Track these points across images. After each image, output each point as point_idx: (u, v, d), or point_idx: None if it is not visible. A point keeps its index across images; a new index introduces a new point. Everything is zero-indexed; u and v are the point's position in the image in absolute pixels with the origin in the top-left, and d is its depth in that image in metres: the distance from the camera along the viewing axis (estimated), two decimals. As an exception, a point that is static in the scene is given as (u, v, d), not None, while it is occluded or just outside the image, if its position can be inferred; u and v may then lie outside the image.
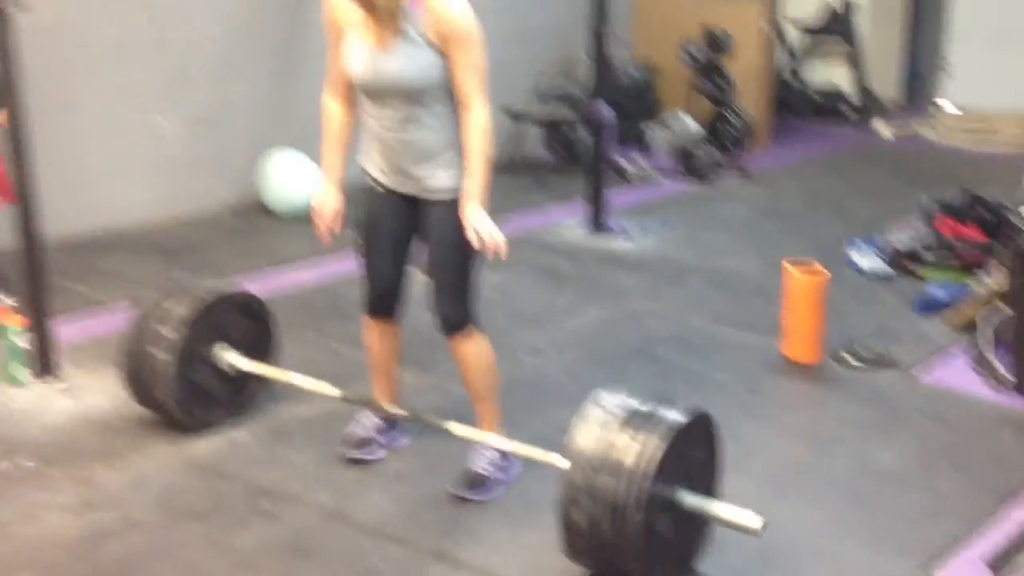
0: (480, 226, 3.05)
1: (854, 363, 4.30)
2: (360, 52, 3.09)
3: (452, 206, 3.14)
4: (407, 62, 3.02)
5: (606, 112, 5.95)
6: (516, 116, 7.49)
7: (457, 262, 3.18)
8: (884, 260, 5.44)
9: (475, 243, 3.06)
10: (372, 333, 3.43)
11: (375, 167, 3.26)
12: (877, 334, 4.63)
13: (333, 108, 3.29)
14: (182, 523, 3.14)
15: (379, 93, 3.10)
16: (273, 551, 3.01)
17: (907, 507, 3.30)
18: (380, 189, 3.27)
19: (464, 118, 3.06)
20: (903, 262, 5.40)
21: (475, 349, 3.27)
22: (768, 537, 3.02)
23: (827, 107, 9.57)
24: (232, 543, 3.04)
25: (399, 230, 3.29)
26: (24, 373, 4.00)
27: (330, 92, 3.28)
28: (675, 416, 2.80)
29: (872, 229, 6.01)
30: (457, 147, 3.12)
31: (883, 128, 9.12)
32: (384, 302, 3.36)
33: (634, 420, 2.79)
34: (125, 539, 3.05)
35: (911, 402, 4.02)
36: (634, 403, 2.85)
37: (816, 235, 6.10)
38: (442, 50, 3.00)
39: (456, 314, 3.21)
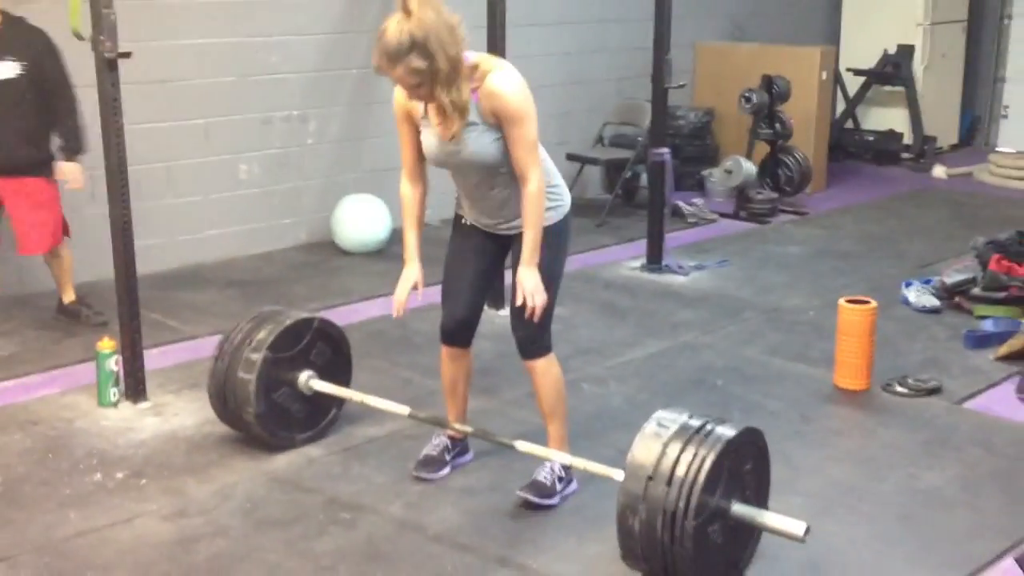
0: (528, 288, 3.30)
1: (903, 391, 4.44)
2: (430, 140, 3.33)
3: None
4: (474, 147, 3.26)
5: (665, 155, 6.17)
6: (579, 160, 7.76)
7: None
8: (937, 297, 5.56)
9: (519, 301, 3.31)
10: (445, 358, 3.66)
11: (461, 206, 3.53)
12: (927, 366, 4.76)
13: (408, 191, 3.50)
14: (265, 530, 3.38)
15: (453, 170, 3.39)
16: (349, 556, 3.23)
17: (951, 525, 3.44)
18: (465, 222, 3.53)
19: (521, 188, 3.29)
20: (955, 299, 5.52)
21: (550, 372, 3.50)
22: (815, 549, 3.20)
23: (884, 151, 9.70)
24: (311, 548, 3.27)
25: (480, 263, 3.53)
26: (115, 394, 4.28)
27: (405, 175, 3.49)
28: (725, 430, 2.99)
29: (927, 269, 6.14)
30: (547, 170, 3.36)
31: (939, 171, 9.22)
32: (459, 330, 3.59)
33: (687, 433, 2.98)
34: (213, 543, 3.30)
35: (958, 429, 4.16)
36: (688, 419, 3.05)
37: (871, 274, 6.23)
38: (500, 127, 3.24)
39: (535, 336, 3.44)
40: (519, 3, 7.10)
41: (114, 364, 4.29)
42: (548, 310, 3.42)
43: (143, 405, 4.30)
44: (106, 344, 4.28)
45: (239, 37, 6.26)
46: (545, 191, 3.31)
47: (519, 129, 3.20)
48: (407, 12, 3.05)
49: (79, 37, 4.11)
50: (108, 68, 4.05)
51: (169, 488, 3.65)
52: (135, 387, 4.33)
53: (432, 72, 3.07)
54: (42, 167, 4.94)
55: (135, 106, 5.46)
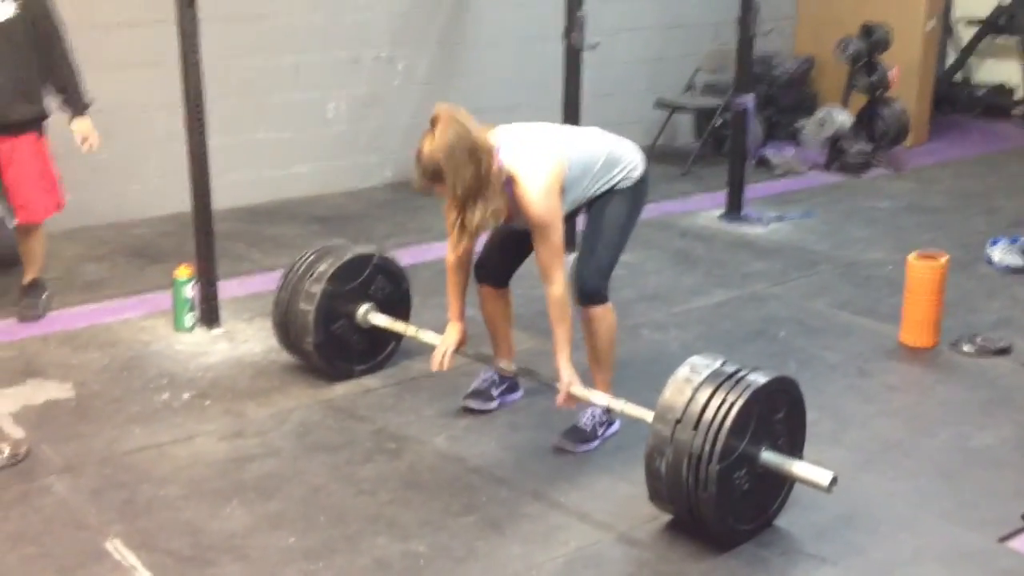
0: (565, 385, 3.39)
1: (969, 351, 4.35)
2: None
3: (610, 193, 3.49)
4: (527, 225, 3.37)
5: (747, 103, 6.09)
6: (669, 107, 7.70)
7: (606, 239, 3.48)
8: (1023, 256, 5.41)
9: (560, 399, 3.42)
10: (481, 297, 3.75)
11: None
12: (1000, 326, 4.65)
13: (453, 260, 3.59)
14: (314, 453, 3.53)
15: None
16: (389, 482, 3.36)
17: (995, 485, 3.39)
18: None
19: (544, 287, 3.36)
20: (1042, 259, 5.36)
21: (605, 320, 3.54)
22: (851, 501, 3.21)
23: (994, 104, 9.35)
24: (355, 473, 3.41)
25: (522, 235, 3.53)
26: (190, 319, 4.48)
27: (451, 246, 3.54)
28: (757, 377, 3.00)
29: (1019, 228, 5.95)
30: (606, 162, 3.49)
31: (1051, 127, 8.87)
32: (492, 270, 3.69)
33: (718, 379, 2.99)
34: (263, 463, 3.46)
35: (1020, 390, 4.07)
36: (721, 365, 3.06)
37: (959, 231, 6.07)
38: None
39: (595, 286, 3.49)
40: (611, -54, 7.07)
41: (190, 291, 4.47)
42: (612, 260, 3.50)
43: (216, 331, 4.49)
44: (183, 271, 4.47)
45: (329, -24, 6.38)
46: (566, 304, 3.38)
47: (541, 234, 3.31)
48: (432, 133, 3.17)
49: (160, -27, 4.24)
50: (187, 4, 4.18)
51: (230, 410, 3.82)
52: (209, 314, 4.52)
53: (454, 192, 3.20)
54: (38, 123, 4.47)
55: (226, 41, 5.64)
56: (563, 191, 3.37)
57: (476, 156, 3.18)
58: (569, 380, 3.40)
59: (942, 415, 3.88)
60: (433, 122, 3.19)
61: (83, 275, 5.12)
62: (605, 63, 6.87)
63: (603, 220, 3.50)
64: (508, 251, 3.68)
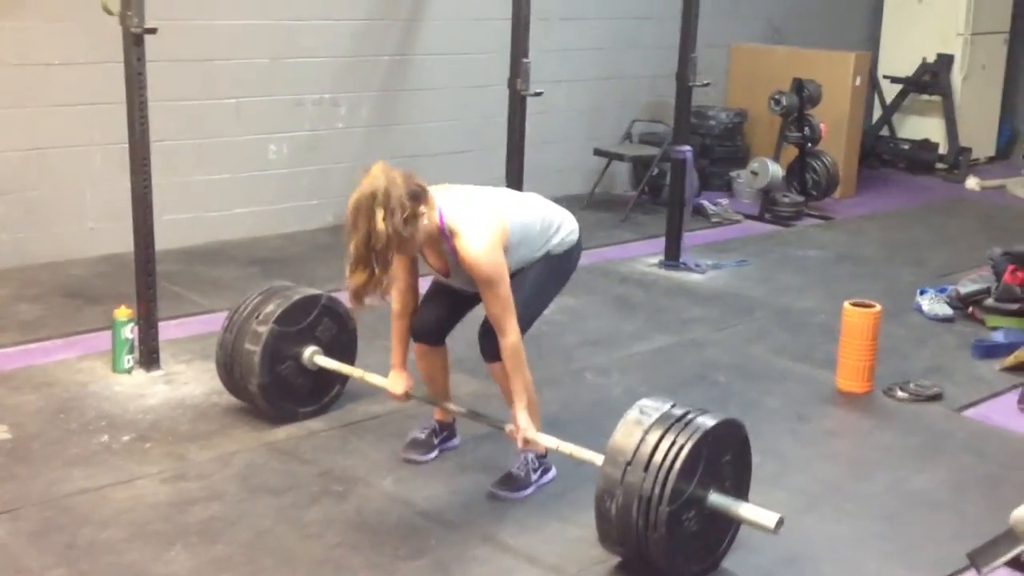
0: (522, 431, 3.40)
1: (903, 396, 4.46)
2: (431, 267, 3.49)
3: (543, 258, 3.53)
4: (465, 284, 3.43)
5: (686, 153, 6.21)
6: (606, 156, 7.82)
7: (523, 298, 3.44)
8: (951, 306, 5.57)
9: (518, 443, 3.43)
10: (417, 353, 3.72)
11: None
12: (932, 373, 4.78)
13: (398, 308, 3.61)
14: (258, 496, 3.48)
15: None
16: (337, 524, 3.33)
17: (933, 527, 3.48)
18: None
19: (499, 339, 3.37)
20: (969, 308, 5.52)
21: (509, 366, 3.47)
22: (794, 543, 3.26)
23: (918, 160, 9.65)
24: (301, 516, 3.37)
25: (460, 296, 3.58)
26: (129, 361, 4.41)
27: (396, 298, 3.57)
28: (706, 420, 3.05)
29: (946, 279, 6.12)
30: (542, 228, 3.51)
31: (972, 182, 9.16)
32: (428, 332, 3.65)
33: (668, 422, 3.04)
34: (207, 506, 3.41)
35: (953, 435, 4.18)
36: (670, 408, 3.11)
37: (888, 281, 6.23)
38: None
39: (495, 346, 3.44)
40: (552, -3, 7.20)
41: (129, 332, 4.41)
42: (524, 321, 3.44)
43: (155, 373, 4.43)
44: (122, 312, 4.41)
45: (273, 19, 6.38)
46: (520, 354, 3.39)
47: (488, 288, 3.31)
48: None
49: (108, 11, 4.22)
50: (134, 43, 4.17)
51: (171, 453, 3.77)
52: (148, 355, 4.46)
53: (352, 243, 3.13)
54: None
55: (168, 83, 5.61)
56: (505, 252, 3.37)
57: (387, 208, 3.07)
58: (525, 426, 3.41)
59: (880, 459, 3.97)
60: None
61: (17, 315, 5.02)
62: (546, 111, 6.98)
63: (525, 280, 3.49)
64: (444, 310, 3.65)
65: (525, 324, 3.48)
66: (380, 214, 3.06)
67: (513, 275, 3.41)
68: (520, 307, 3.40)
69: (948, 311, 5.53)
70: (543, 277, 3.56)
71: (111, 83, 4.66)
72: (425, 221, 3.20)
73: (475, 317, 3.58)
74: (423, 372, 3.77)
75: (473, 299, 3.56)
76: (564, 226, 3.60)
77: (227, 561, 3.11)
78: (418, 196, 3.18)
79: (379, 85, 6.93)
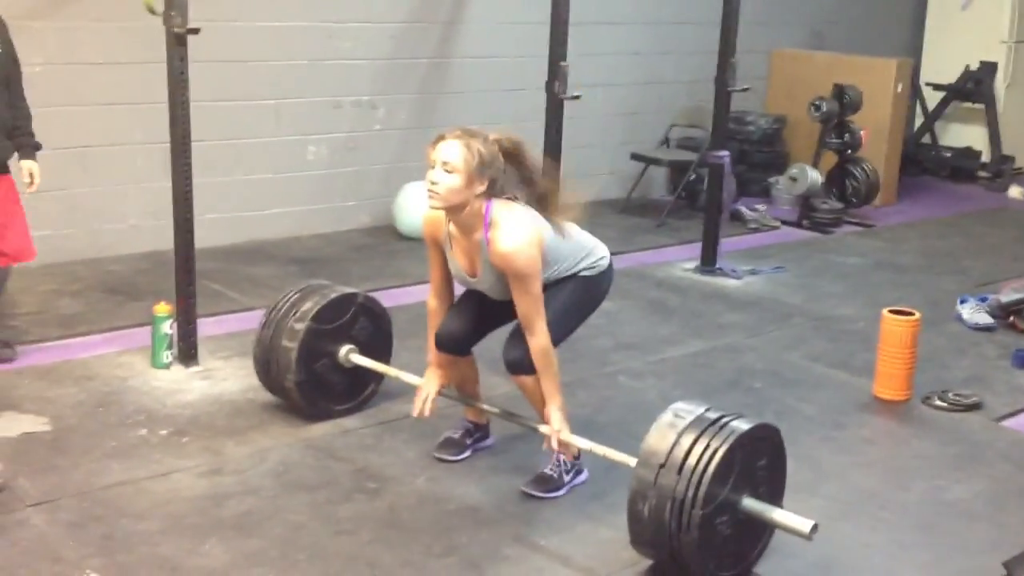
0: (555, 432, 3.41)
1: (942, 405, 4.42)
2: (455, 264, 3.52)
3: (572, 278, 3.54)
4: (492, 286, 3.46)
5: (724, 158, 6.19)
6: (643, 160, 7.81)
7: (552, 315, 3.43)
8: (991, 315, 5.51)
9: (552, 443, 3.43)
10: (443, 362, 3.68)
11: None
12: (971, 382, 4.72)
13: (434, 306, 3.66)
14: (293, 492, 3.51)
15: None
16: (370, 521, 3.35)
17: (970, 537, 3.44)
18: None
19: (527, 339, 3.39)
20: (1010, 318, 5.46)
21: (537, 389, 3.49)
22: (829, 551, 3.23)
23: (960, 168, 9.56)
24: (335, 512, 3.39)
25: (492, 306, 3.58)
26: (168, 356, 4.46)
27: (432, 291, 3.65)
28: (740, 424, 3.03)
29: (987, 288, 6.06)
30: (573, 249, 3.53)
31: (1015, 191, 9.06)
32: (450, 342, 3.62)
33: (702, 425, 3.03)
34: (242, 501, 3.44)
35: (992, 445, 4.13)
36: (704, 411, 3.10)
37: (928, 289, 6.18)
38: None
39: (521, 357, 3.44)
40: (592, 1, 7.20)
41: (168, 328, 4.46)
42: (555, 338, 3.45)
43: (193, 369, 4.47)
44: (162, 308, 4.45)
45: (313, 22, 6.43)
46: (550, 354, 3.42)
47: (521, 284, 3.34)
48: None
49: (152, 12, 4.28)
50: (177, 43, 4.21)
51: (208, 447, 3.80)
52: (187, 351, 4.50)
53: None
54: (8, 163, 4.37)
55: (209, 84, 5.67)
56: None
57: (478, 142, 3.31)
58: (558, 428, 3.41)
59: (917, 468, 3.93)
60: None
61: (59, 310, 5.09)
62: (583, 116, 6.98)
63: (554, 298, 3.47)
64: (469, 322, 3.62)
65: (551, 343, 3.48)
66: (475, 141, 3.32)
67: (543, 288, 3.42)
68: (547, 324, 3.42)
69: (989, 320, 5.47)
70: (573, 297, 3.55)
71: (153, 83, 4.71)
72: (480, 189, 3.29)
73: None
74: (452, 380, 3.77)
75: (500, 311, 3.56)
76: (595, 251, 3.62)
77: (261, 555, 3.13)
78: (495, 164, 3.33)
79: (417, 87, 6.97)
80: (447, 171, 3.28)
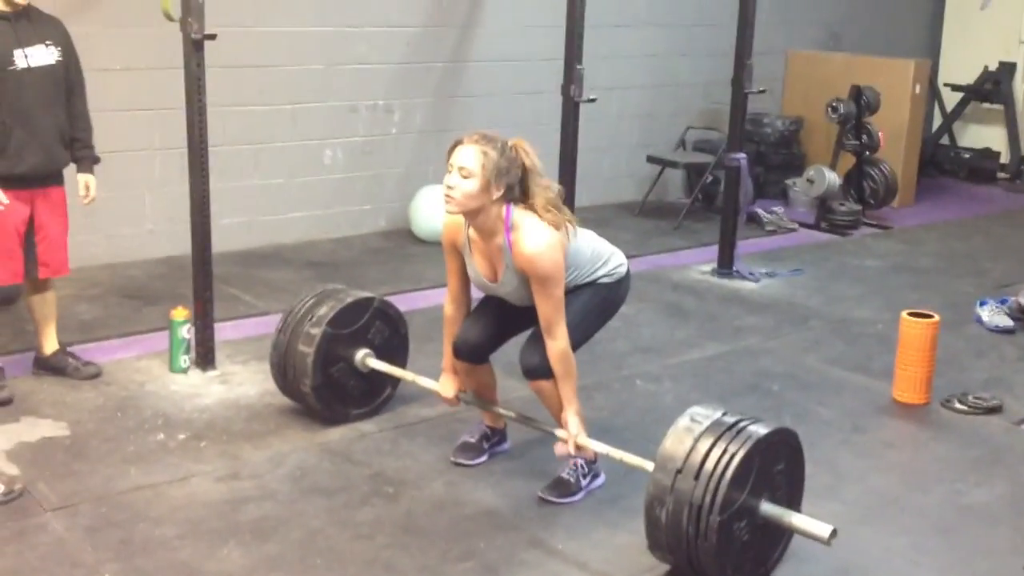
0: (572, 437, 3.40)
1: (961, 408, 4.39)
2: (474, 270, 3.52)
3: (590, 285, 3.54)
4: (514, 290, 3.45)
5: (740, 160, 6.17)
6: (660, 163, 7.79)
7: (571, 322, 3.43)
8: (1011, 317, 5.47)
9: (569, 447, 3.43)
10: (460, 368, 3.70)
11: None
12: (991, 385, 4.69)
13: (451, 312, 3.67)
14: (310, 497, 3.51)
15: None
16: (387, 526, 3.35)
17: (990, 542, 3.41)
18: None
19: (546, 341, 3.39)
20: (1030, 319, 5.44)
21: (554, 394, 3.49)
22: (848, 555, 3.21)
23: (979, 169, 9.51)
24: (352, 517, 3.39)
25: (509, 313, 3.58)
26: (185, 361, 4.47)
27: (449, 298, 3.65)
28: (758, 428, 3.02)
29: (1007, 289, 6.02)
30: (592, 257, 3.54)
31: (1035, 192, 9.02)
32: (468, 350, 3.62)
33: (719, 429, 3.02)
34: (260, 505, 3.44)
35: (1012, 448, 4.10)
36: (721, 416, 3.09)
37: (947, 291, 6.14)
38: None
39: (539, 363, 3.44)
40: (607, 3, 7.19)
41: (186, 332, 4.47)
42: (573, 344, 3.45)
43: (211, 373, 4.48)
44: (180, 313, 4.47)
45: (329, 27, 6.44)
46: (569, 357, 3.42)
47: (543, 287, 3.34)
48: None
49: (169, 18, 4.30)
50: (194, 49, 4.23)
51: (226, 452, 3.81)
52: (204, 356, 4.51)
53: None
54: (62, 174, 4.30)
55: (226, 89, 5.70)
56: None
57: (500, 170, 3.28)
58: (576, 432, 3.41)
59: (937, 471, 3.91)
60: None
61: (77, 315, 5.11)
62: (599, 118, 6.97)
63: (571, 304, 3.46)
64: (487, 329, 3.62)
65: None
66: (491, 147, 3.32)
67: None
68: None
69: (1009, 322, 5.43)
70: (591, 303, 3.56)
71: (171, 88, 4.73)
72: (497, 195, 3.29)
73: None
74: (469, 387, 3.77)
75: (518, 319, 3.56)
76: (613, 259, 3.62)
77: (278, 559, 3.14)
78: (512, 170, 3.33)
79: (432, 91, 6.97)
80: (464, 176, 3.28)
